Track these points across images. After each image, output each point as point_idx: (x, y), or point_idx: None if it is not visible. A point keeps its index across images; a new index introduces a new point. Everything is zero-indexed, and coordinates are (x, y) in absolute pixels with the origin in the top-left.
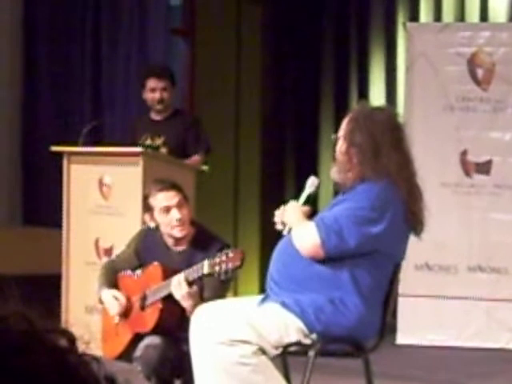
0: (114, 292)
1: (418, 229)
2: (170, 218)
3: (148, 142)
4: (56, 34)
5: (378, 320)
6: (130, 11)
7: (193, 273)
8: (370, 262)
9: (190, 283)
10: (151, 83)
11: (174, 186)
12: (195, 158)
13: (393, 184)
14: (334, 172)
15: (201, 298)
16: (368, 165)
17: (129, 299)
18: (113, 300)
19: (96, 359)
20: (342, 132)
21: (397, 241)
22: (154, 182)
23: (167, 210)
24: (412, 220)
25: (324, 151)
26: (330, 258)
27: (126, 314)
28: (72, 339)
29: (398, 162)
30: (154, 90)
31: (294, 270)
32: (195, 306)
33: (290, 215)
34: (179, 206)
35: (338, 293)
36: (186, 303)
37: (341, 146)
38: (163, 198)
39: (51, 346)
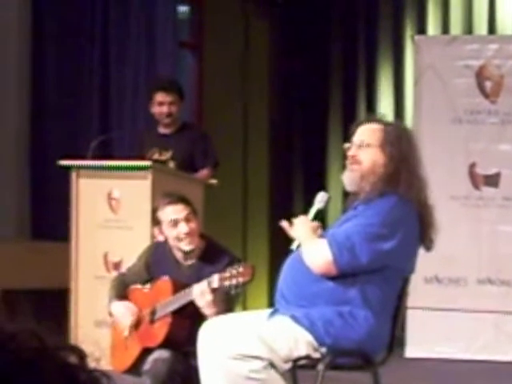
0: (125, 303)
1: (428, 245)
2: (178, 232)
3: (156, 156)
4: (64, 48)
5: (387, 333)
6: (138, 24)
7: (204, 286)
8: (380, 277)
9: (212, 290)
10: (159, 97)
11: (182, 200)
12: (203, 173)
13: (408, 201)
14: (348, 178)
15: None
16: (394, 179)
17: (139, 312)
18: (125, 311)
19: (106, 375)
20: (367, 140)
21: (408, 256)
22: (163, 195)
23: (175, 223)
24: (424, 236)
25: (332, 166)
26: (342, 275)
27: (136, 326)
28: (82, 356)
29: (419, 180)
30: (161, 104)
31: (304, 286)
32: (219, 313)
33: (298, 230)
34: (187, 219)
35: (347, 307)
36: (210, 311)
37: (374, 154)
38: (171, 212)
39: (62, 363)
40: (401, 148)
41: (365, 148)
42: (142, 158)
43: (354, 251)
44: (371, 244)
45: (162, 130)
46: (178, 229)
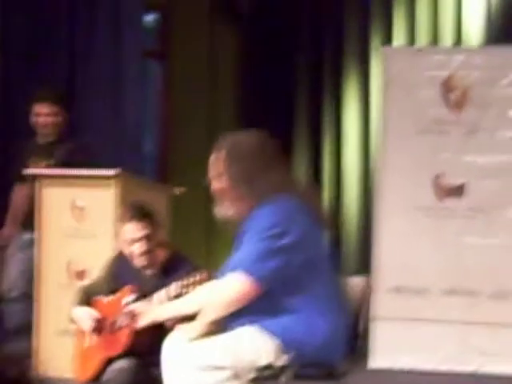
0: (86, 308)
1: (325, 225)
2: (133, 250)
3: (36, 165)
4: (30, 53)
5: (343, 329)
6: (104, 32)
7: (162, 295)
8: (303, 272)
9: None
10: (36, 108)
11: (144, 216)
12: None
13: (283, 196)
14: (219, 211)
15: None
16: (248, 195)
17: (102, 322)
18: (84, 315)
19: None
20: (213, 171)
21: (316, 240)
22: (128, 206)
23: (132, 241)
24: (319, 218)
25: (298, 174)
26: (271, 289)
27: (98, 333)
28: (24, 369)
29: (277, 177)
30: (38, 115)
31: (249, 309)
32: (177, 323)
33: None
34: (146, 238)
35: (300, 313)
36: (170, 320)
37: (216, 185)
38: (129, 231)
39: (9, 378)
40: (236, 167)
41: (213, 180)
42: (23, 167)
43: (262, 260)
44: (272, 245)
45: (41, 140)
46: (134, 247)
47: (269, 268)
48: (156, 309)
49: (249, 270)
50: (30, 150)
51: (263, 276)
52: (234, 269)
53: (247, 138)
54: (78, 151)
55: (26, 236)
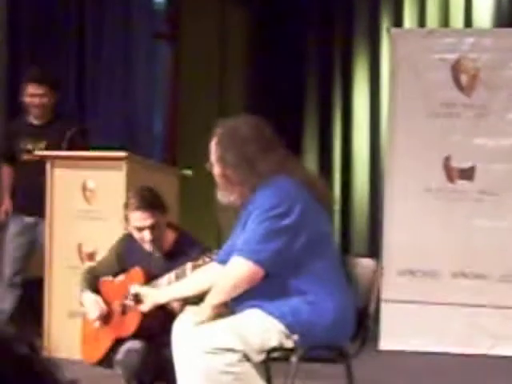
0: (96, 297)
1: (327, 205)
2: (142, 237)
3: (29, 146)
4: (39, 36)
5: (351, 308)
6: (113, 14)
7: (172, 276)
8: (307, 252)
9: None
10: (30, 89)
11: (151, 205)
12: None
13: (284, 177)
14: (222, 196)
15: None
16: (248, 178)
17: (110, 304)
18: (93, 304)
19: (59, 366)
20: (212, 157)
21: (317, 220)
22: (135, 192)
23: (140, 229)
24: (321, 199)
25: (308, 156)
26: (276, 271)
27: (106, 319)
28: (36, 347)
29: (275, 159)
30: (33, 96)
31: (256, 292)
32: (185, 305)
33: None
34: (152, 227)
35: (307, 294)
36: (176, 302)
37: (216, 170)
38: (137, 219)
39: (15, 355)
40: (232, 153)
41: (213, 166)
42: (11, 149)
43: (264, 241)
44: (273, 226)
45: (33, 121)
46: (142, 234)
47: (271, 249)
48: (157, 292)
49: (252, 252)
50: (20, 130)
51: (266, 257)
52: (237, 251)
53: (243, 123)
54: (75, 134)
55: (27, 220)
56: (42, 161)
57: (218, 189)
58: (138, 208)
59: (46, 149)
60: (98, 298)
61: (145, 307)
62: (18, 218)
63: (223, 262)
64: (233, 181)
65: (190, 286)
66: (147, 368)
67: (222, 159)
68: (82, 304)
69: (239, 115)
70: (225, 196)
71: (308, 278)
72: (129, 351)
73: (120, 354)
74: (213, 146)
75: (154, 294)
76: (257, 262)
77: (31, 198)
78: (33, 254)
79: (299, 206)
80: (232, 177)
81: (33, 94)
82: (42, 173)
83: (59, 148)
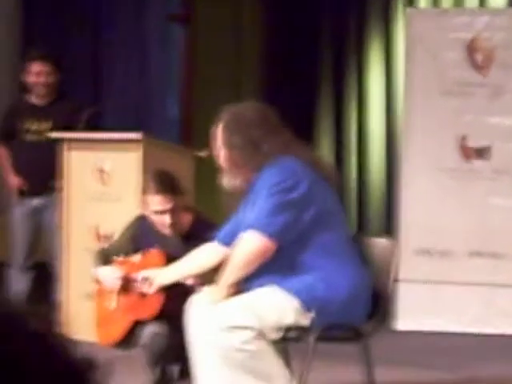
0: (111, 267)
1: (333, 184)
2: (162, 220)
3: (35, 126)
4: (52, 17)
5: (363, 287)
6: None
7: None
8: (316, 227)
9: None
10: (36, 67)
11: (170, 189)
12: None
13: (289, 157)
14: (227, 181)
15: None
16: (254, 158)
17: (128, 280)
18: (110, 274)
19: (75, 343)
20: (219, 142)
21: (325, 196)
22: (154, 176)
23: (160, 213)
24: (326, 178)
25: (323, 141)
26: (286, 247)
27: (126, 291)
28: (52, 323)
29: (280, 141)
30: (39, 74)
31: (267, 269)
32: (202, 284)
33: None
34: (172, 211)
35: (316, 270)
36: (191, 280)
37: (222, 154)
38: (157, 203)
39: (31, 331)
40: (238, 136)
41: (220, 151)
42: (13, 130)
43: (273, 215)
44: (281, 199)
45: (36, 101)
46: (163, 218)
47: (280, 222)
48: (160, 273)
49: (261, 227)
50: (22, 110)
51: (276, 231)
52: (248, 227)
53: (249, 108)
54: (79, 111)
55: (33, 202)
56: (48, 141)
57: (222, 174)
58: (158, 192)
59: (52, 129)
60: (113, 267)
61: (151, 290)
62: (24, 201)
63: (223, 241)
64: (238, 163)
65: (193, 265)
66: (172, 352)
67: (228, 142)
68: (97, 281)
69: (250, 99)
70: (230, 181)
71: (319, 254)
72: (155, 335)
73: (145, 338)
74: (219, 130)
75: (159, 274)
76: (268, 235)
77: (36, 179)
78: (40, 237)
79: (306, 181)
80: (238, 159)
81: (39, 73)
82: (49, 153)
83: (67, 128)
